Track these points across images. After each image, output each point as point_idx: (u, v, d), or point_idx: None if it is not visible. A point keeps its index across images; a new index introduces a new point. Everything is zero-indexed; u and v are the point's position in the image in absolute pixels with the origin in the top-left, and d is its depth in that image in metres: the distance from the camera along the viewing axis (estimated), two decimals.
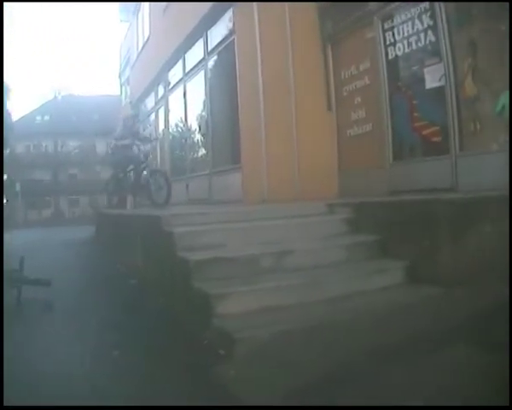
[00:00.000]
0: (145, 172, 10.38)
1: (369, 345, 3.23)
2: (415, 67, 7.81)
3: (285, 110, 9.19)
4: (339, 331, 3.47)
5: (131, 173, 10.85)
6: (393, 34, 8.18)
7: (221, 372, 3.21)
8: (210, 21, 11.54)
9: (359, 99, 8.85)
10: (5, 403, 2.76)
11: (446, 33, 7.18)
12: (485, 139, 6.63)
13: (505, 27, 6.29)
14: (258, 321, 3.67)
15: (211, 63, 12.21)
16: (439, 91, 7.31)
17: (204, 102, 12.84)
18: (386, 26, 8.33)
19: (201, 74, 12.68)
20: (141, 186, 10.40)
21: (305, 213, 5.90)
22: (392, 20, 8.19)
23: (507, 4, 6.01)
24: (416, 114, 7.80)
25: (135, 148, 10.42)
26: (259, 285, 4.10)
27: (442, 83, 7.23)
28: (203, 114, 12.95)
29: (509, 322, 3.22)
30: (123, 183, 11.04)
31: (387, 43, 8.29)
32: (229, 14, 10.75)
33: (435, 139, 7.43)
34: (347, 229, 5.50)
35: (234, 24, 10.50)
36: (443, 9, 7.23)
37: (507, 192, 4.76)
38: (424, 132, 7.49)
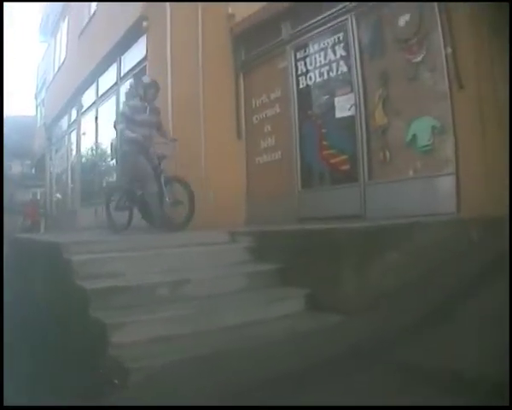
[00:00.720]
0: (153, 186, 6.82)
1: (266, 373, 3.03)
2: (325, 97, 7.44)
3: (194, 137, 8.43)
4: (234, 360, 3.24)
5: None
6: (305, 64, 7.79)
7: (115, 401, 3.00)
8: (123, 47, 10.58)
9: (269, 127, 8.37)
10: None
11: (358, 64, 6.88)
12: (394, 168, 6.36)
13: (420, 59, 6.15)
14: (153, 350, 3.41)
15: (123, 88, 11.18)
16: (349, 121, 6.97)
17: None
18: (298, 56, 7.89)
19: (113, 99, 11.64)
20: (149, 199, 6.86)
21: (208, 242, 5.52)
22: (305, 50, 7.80)
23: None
24: (324, 143, 7.38)
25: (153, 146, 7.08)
26: (156, 314, 3.81)
27: (352, 112, 6.90)
28: (114, 139, 11.78)
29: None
30: (132, 195, 7.24)
31: (299, 72, 7.86)
32: (142, 40, 9.83)
33: (344, 168, 7.03)
34: (249, 257, 5.15)
35: (146, 50, 9.58)
36: (356, 40, 6.93)
37: (413, 219, 4.76)
38: (332, 161, 7.10)
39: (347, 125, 6.97)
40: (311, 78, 7.67)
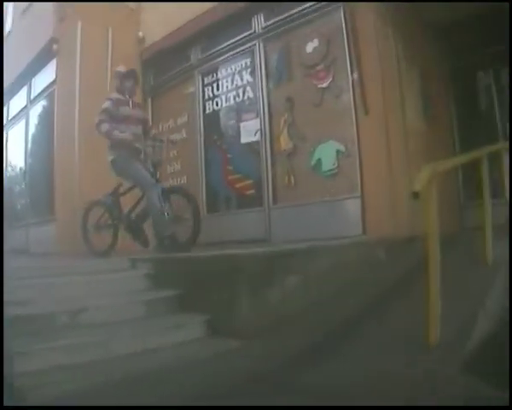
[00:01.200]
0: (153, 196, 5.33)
1: (163, 401, 2.72)
2: (231, 122, 7.07)
3: (100, 163, 7.49)
4: (131, 388, 2.95)
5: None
6: (213, 89, 7.36)
7: None
8: (35, 69, 9.65)
9: (175, 152, 7.71)
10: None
11: (264, 89, 6.56)
12: (299, 192, 6.06)
13: (326, 84, 5.94)
14: (49, 379, 3.09)
15: (32, 112, 10.22)
16: (255, 146, 6.61)
17: (24, 150, 10.68)
18: (206, 81, 7.48)
19: (23, 122, 10.63)
20: (142, 216, 5.61)
21: (108, 269, 4.99)
22: (213, 75, 7.38)
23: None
24: (229, 168, 7.00)
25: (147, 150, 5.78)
26: (54, 343, 3.41)
27: (258, 137, 6.54)
28: (22, 163, 10.75)
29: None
30: (114, 211, 5.85)
31: (206, 97, 7.45)
32: (52, 64, 8.99)
33: (249, 192, 6.65)
34: (148, 284, 4.67)
35: (56, 74, 8.73)
36: (263, 66, 6.59)
37: (318, 243, 4.64)
38: (237, 185, 6.73)
39: (252, 150, 6.61)
40: (217, 103, 7.28)
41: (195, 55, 7.58)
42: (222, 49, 7.17)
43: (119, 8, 8.23)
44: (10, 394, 2.82)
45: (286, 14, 6.35)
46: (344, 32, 5.75)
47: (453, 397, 2.46)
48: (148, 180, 5.30)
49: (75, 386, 2.97)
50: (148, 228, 5.62)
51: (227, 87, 7.12)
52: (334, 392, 2.68)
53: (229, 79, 7.09)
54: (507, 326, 3.51)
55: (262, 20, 6.66)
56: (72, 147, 7.65)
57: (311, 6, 6.09)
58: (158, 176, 5.43)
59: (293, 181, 6.11)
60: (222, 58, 7.20)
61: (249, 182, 6.61)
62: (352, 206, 5.53)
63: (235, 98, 7.01)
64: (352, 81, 5.63)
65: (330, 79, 5.87)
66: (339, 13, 5.83)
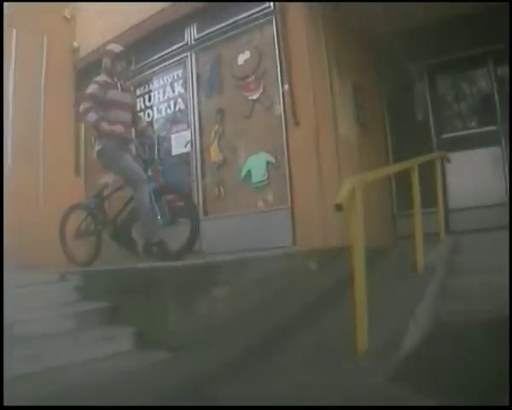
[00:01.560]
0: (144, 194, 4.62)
1: None
2: (163, 133, 6.74)
3: (32, 174, 7.24)
4: (59, 401, 2.70)
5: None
6: (145, 100, 7.04)
7: None
8: None
9: None
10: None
11: (196, 101, 6.30)
12: (229, 203, 5.84)
13: (257, 96, 5.77)
14: None
15: None
16: (185, 157, 6.35)
17: None
18: (138, 92, 7.10)
19: None
20: (129, 219, 4.91)
21: (37, 282, 4.71)
22: (145, 87, 7.06)
23: None
24: (160, 179, 6.25)
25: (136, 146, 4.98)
26: None
27: (188, 149, 6.27)
28: None
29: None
30: (98, 215, 5.20)
31: (138, 108, 6.94)
32: None
33: (179, 204, 5.92)
34: (78, 297, 4.46)
35: None
36: (194, 77, 6.34)
37: (247, 254, 4.52)
38: (168, 197, 5.97)
39: (183, 162, 6.34)
40: (149, 114, 6.95)
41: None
42: (154, 60, 6.86)
43: (54, 17, 7.81)
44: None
45: (218, 26, 6.12)
46: (275, 43, 5.57)
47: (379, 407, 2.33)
48: (140, 175, 4.59)
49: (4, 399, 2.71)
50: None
51: (159, 98, 6.82)
52: (261, 404, 2.49)
53: (161, 91, 6.81)
54: (437, 336, 3.54)
55: (195, 31, 6.40)
56: (5, 158, 7.02)
57: (243, 18, 5.88)
58: (150, 173, 4.73)
59: (223, 192, 5.88)
60: (154, 69, 6.90)
61: (180, 193, 6.18)
62: (282, 217, 5.32)
63: (166, 110, 6.74)
64: (283, 93, 5.44)
65: (261, 91, 5.67)
66: (271, 25, 5.65)
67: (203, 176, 6.03)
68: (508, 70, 6.67)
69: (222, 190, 5.86)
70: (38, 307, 4.14)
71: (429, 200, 5.44)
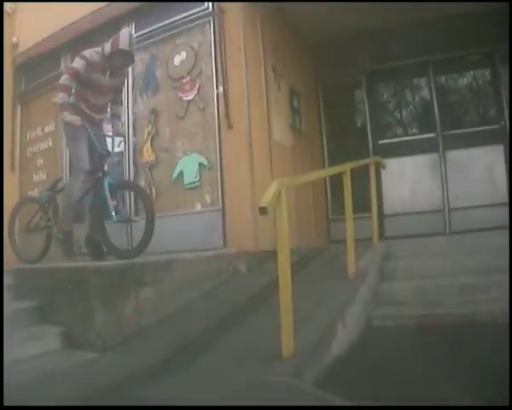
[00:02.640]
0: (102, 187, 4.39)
1: None
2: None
3: None
4: None
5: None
6: None
7: None
8: None
9: (42, 161, 7.17)
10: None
11: (130, 100, 6.14)
12: (161, 204, 5.59)
13: (191, 97, 5.67)
14: None
15: None
16: (118, 157, 5.87)
17: None
18: None
19: None
20: (92, 213, 4.59)
21: None
22: None
23: None
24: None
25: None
26: None
27: (121, 148, 5.93)
28: None
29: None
30: (50, 210, 4.91)
31: None
32: None
33: (111, 203, 5.78)
34: (8, 295, 4.22)
35: None
36: (130, 77, 6.04)
37: (175, 255, 4.46)
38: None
39: (116, 161, 5.80)
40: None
41: (65, 63, 6.95)
42: None
43: None
44: None
45: (156, 26, 6.02)
46: (212, 44, 5.53)
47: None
48: (84, 167, 4.39)
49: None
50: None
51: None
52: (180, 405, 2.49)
53: None
54: (369, 339, 3.66)
55: (133, 30, 6.22)
56: None
57: (181, 19, 5.81)
58: (106, 168, 4.44)
59: (154, 193, 5.75)
60: None
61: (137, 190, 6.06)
62: (214, 219, 5.30)
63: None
64: (217, 95, 5.41)
65: (196, 92, 5.60)
66: (208, 26, 5.61)
67: (135, 176, 5.92)
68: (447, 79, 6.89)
69: (154, 190, 5.75)
70: None
71: (364, 205, 5.54)
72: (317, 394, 2.53)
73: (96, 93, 4.49)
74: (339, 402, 2.38)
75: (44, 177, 6.98)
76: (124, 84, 4.97)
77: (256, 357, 3.00)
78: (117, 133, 4.75)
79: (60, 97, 4.30)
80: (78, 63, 4.34)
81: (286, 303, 2.91)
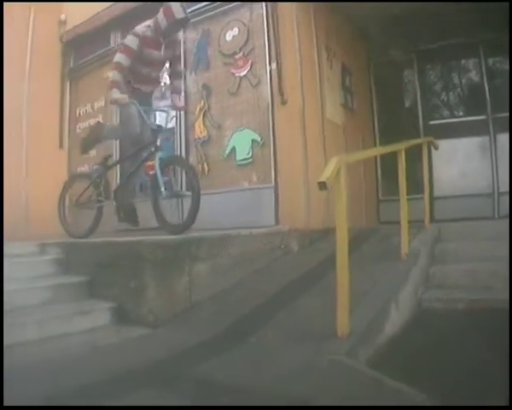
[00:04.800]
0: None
1: (68, 386, 2.44)
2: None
3: (16, 146, 7.00)
4: (34, 374, 2.65)
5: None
6: None
7: None
8: None
9: None
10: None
11: (182, 76, 5.88)
12: (213, 180, 5.64)
13: (244, 73, 5.58)
14: None
15: None
16: (170, 133, 6.07)
17: None
18: None
19: None
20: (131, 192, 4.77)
21: (15, 253, 4.51)
22: None
23: None
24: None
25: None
26: None
27: (172, 124, 6.09)
28: None
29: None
30: (101, 185, 4.94)
31: None
32: None
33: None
34: (56, 270, 4.30)
35: None
36: (181, 53, 5.87)
37: (229, 231, 4.36)
38: (151, 172, 5.82)
39: (167, 138, 6.04)
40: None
41: (115, 40, 7.00)
42: None
43: None
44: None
45: (207, 2, 5.92)
46: (265, 21, 5.41)
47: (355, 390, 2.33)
48: (149, 142, 4.42)
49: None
50: None
51: None
52: (240, 380, 2.50)
53: None
54: (417, 321, 3.63)
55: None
56: None
57: None
58: (158, 143, 4.39)
59: (206, 169, 5.73)
60: None
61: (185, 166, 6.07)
62: (266, 196, 5.22)
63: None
64: (270, 71, 5.30)
65: (248, 68, 5.51)
66: (260, 2, 5.47)
67: (187, 152, 5.89)
68: (498, 61, 6.61)
69: (206, 166, 5.72)
70: (16, 279, 4.02)
71: (414, 187, 5.38)
72: (372, 374, 2.49)
73: (150, 67, 4.47)
74: (390, 383, 2.34)
75: (94, 153, 6.99)
76: (178, 55, 4.88)
77: (310, 335, 2.96)
78: (176, 107, 4.79)
79: (112, 75, 4.30)
80: (131, 41, 4.29)
81: (343, 281, 2.85)
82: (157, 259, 3.70)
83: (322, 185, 2.75)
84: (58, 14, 7.65)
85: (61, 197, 5.20)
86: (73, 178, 5.58)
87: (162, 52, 4.44)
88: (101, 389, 2.43)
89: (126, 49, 4.31)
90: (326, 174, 2.80)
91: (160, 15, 4.31)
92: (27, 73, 7.19)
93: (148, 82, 4.56)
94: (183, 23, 4.45)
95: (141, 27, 4.36)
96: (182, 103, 4.89)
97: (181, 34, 4.82)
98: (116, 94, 4.25)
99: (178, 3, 4.31)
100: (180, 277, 3.77)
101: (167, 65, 4.77)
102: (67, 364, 2.86)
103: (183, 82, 5.72)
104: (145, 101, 4.51)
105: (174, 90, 4.74)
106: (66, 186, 5.28)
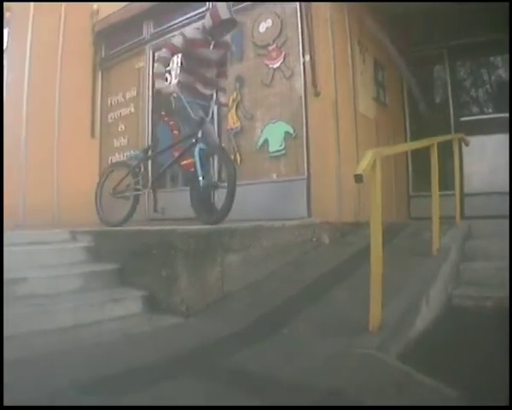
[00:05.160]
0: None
1: (98, 373, 2.45)
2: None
3: (48, 134, 7.11)
4: (67, 360, 2.66)
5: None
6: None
7: None
8: None
9: (123, 127, 7.25)
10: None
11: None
12: (245, 171, 5.60)
13: (277, 65, 5.57)
14: None
15: None
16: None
17: None
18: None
19: None
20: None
21: (47, 241, 4.59)
22: None
23: None
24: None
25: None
26: None
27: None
28: None
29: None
30: (140, 175, 5.12)
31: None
32: (4, 32, 8.23)
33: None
34: (87, 257, 4.33)
35: (7, 43, 7.96)
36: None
37: (260, 222, 4.36)
38: (184, 162, 5.86)
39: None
40: (166, 79, 6.53)
41: (148, 30, 7.06)
42: (175, 24, 6.64)
43: None
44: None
45: None
46: (298, 13, 5.39)
47: (386, 384, 2.31)
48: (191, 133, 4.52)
49: (6, 358, 2.64)
50: None
51: (177, 63, 6.37)
52: (273, 371, 2.49)
53: (180, 56, 6.47)
54: (447, 318, 3.59)
55: None
56: (20, 119, 7.02)
57: None
58: (200, 134, 4.43)
59: (239, 160, 5.73)
60: (174, 34, 6.49)
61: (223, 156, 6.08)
62: (298, 188, 5.20)
63: None
64: (304, 63, 5.28)
65: (282, 60, 5.49)
66: None
67: (220, 142, 5.72)
68: None
69: (238, 157, 5.72)
70: (47, 266, 4.09)
71: (444, 183, 5.33)
72: (404, 368, 2.47)
73: (204, 67, 4.58)
74: (420, 378, 2.33)
75: (126, 142, 7.08)
76: (228, 56, 4.86)
77: (341, 328, 2.95)
78: (221, 104, 4.87)
79: (155, 67, 4.55)
80: (176, 40, 4.52)
81: (377, 275, 2.84)
82: (189, 248, 3.70)
83: (359, 178, 2.73)
84: (90, 4, 7.70)
85: (99, 185, 5.25)
86: (113, 166, 5.61)
87: (212, 51, 4.55)
88: (136, 377, 2.45)
89: (169, 46, 4.55)
90: (362, 167, 2.79)
91: (207, 17, 4.47)
92: (59, 63, 7.26)
93: (206, 84, 4.66)
94: (229, 24, 4.50)
95: (188, 29, 4.68)
96: (226, 100, 4.92)
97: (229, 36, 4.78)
98: (160, 84, 4.48)
99: (225, 4, 4.41)
100: (212, 267, 3.78)
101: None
102: (101, 351, 2.88)
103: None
104: (193, 96, 4.59)
105: (220, 89, 4.79)
106: (105, 175, 5.34)
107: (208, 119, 4.56)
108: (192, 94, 4.55)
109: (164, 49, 4.52)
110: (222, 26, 4.45)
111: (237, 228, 4.14)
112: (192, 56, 4.53)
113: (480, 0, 5.62)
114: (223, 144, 5.74)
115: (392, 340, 2.79)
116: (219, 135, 5.86)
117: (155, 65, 4.59)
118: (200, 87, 4.63)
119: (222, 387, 2.35)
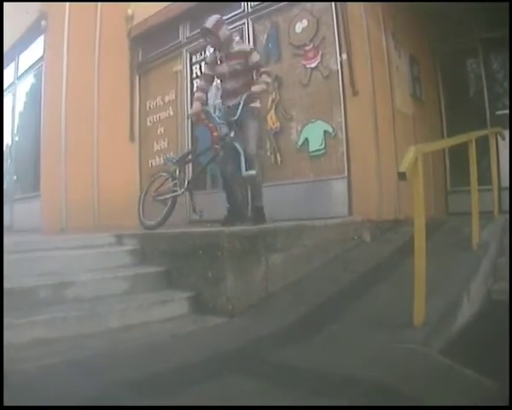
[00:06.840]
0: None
1: (147, 374, 2.49)
2: (218, 101, 6.31)
3: (87, 139, 7.22)
4: (115, 362, 2.72)
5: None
6: (201, 67, 6.78)
7: None
8: (22, 46, 9.03)
9: (162, 130, 7.33)
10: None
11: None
12: (286, 171, 5.66)
13: (315, 64, 5.56)
14: (30, 354, 2.83)
15: (20, 88, 9.59)
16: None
17: (11, 127, 10.04)
18: (194, 59, 7.03)
19: (10, 99, 9.96)
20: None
21: (93, 244, 4.66)
22: (201, 54, 6.87)
23: None
24: (216, 146, 6.13)
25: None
26: (34, 317, 3.18)
27: None
28: (8, 139, 10.11)
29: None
30: (179, 178, 5.18)
31: (194, 75, 6.98)
32: (40, 40, 8.39)
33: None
34: (133, 260, 4.39)
35: (44, 50, 8.14)
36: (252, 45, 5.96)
37: (302, 222, 4.37)
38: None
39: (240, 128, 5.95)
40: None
41: (184, 34, 7.12)
42: None
43: None
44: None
45: None
46: (333, 12, 5.36)
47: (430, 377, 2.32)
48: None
49: (55, 361, 2.74)
50: None
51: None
52: (318, 369, 2.48)
53: None
54: (488, 312, 3.54)
55: None
56: (59, 124, 7.13)
57: None
58: (232, 135, 4.63)
59: (279, 160, 5.73)
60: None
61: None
62: (339, 187, 5.19)
63: None
64: (341, 62, 5.26)
65: (319, 60, 5.48)
66: None
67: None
68: None
69: (278, 157, 5.72)
70: (93, 270, 4.14)
71: (480, 178, 5.26)
72: (449, 363, 2.45)
73: (223, 81, 4.88)
74: (463, 371, 2.32)
75: (166, 145, 7.15)
76: (249, 62, 4.72)
77: (385, 324, 2.94)
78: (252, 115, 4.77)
79: (194, 106, 5.01)
80: (204, 67, 5.23)
81: (420, 270, 2.82)
82: (235, 249, 3.71)
83: (402, 176, 2.71)
84: (125, 9, 7.79)
85: (144, 190, 5.41)
86: (159, 173, 5.63)
87: (222, 65, 4.74)
88: (187, 376, 2.47)
89: (201, 76, 5.24)
90: (405, 164, 2.77)
91: (222, 32, 4.79)
92: (97, 67, 7.36)
93: (229, 96, 4.83)
94: (203, 32, 4.85)
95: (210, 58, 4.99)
96: (259, 105, 4.89)
97: (246, 46, 4.95)
98: (195, 108, 4.92)
99: (214, 17, 4.77)
100: (257, 267, 3.79)
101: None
102: (150, 352, 2.91)
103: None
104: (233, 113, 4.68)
105: (252, 97, 4.72)
106: (151, 180, 5.49)
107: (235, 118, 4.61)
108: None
109: (199, 80, 4.93)
110: (202, 35, 4.96)
111: (280, 228, 4.16)
112: (213, 75, 4.92)
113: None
114: (263, 146, 5.78)
115: (435, 335, 2.79)
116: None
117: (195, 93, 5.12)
118: (225, 101, 4.90)
119: (269, 384, 2.34)
